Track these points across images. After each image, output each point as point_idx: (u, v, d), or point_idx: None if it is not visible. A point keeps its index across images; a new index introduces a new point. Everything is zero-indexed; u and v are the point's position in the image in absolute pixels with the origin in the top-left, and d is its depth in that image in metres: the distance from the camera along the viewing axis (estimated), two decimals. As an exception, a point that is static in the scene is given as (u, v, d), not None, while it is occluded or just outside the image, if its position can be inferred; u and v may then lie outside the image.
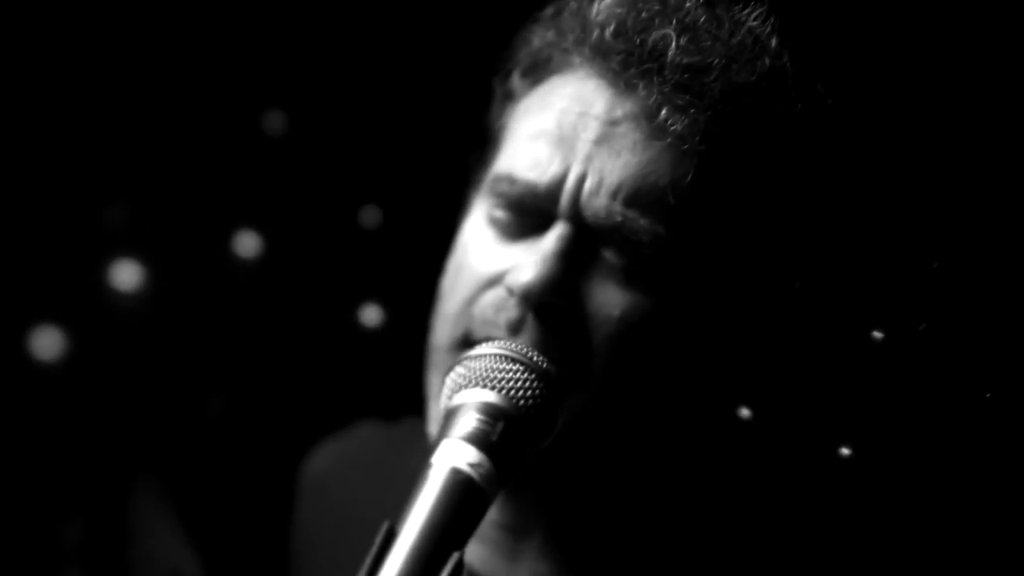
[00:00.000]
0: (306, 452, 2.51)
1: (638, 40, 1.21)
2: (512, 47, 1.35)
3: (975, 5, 1.74)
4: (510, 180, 1.23)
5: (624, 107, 1.20)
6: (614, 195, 1.18)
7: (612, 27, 1.22)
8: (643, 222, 1.17)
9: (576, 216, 1.19)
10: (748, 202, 1.24)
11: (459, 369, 1.13)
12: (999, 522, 1.59)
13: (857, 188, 1.50)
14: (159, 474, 2.47)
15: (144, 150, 2.48)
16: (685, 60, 1.20)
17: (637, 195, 1.18)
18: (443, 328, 1.27)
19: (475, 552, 1.33)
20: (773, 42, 1.24)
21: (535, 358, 1.13)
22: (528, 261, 1.18)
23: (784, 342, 1.34)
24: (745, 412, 1.75)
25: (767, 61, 1.23)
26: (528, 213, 1.23)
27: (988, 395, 2.33)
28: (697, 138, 1.19)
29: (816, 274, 1.35)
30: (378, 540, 0.98)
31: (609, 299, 1.17)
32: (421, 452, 1.45)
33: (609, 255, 1.19)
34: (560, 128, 1.22)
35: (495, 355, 1.11)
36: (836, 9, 1.45)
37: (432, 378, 1.27)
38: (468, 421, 1.06)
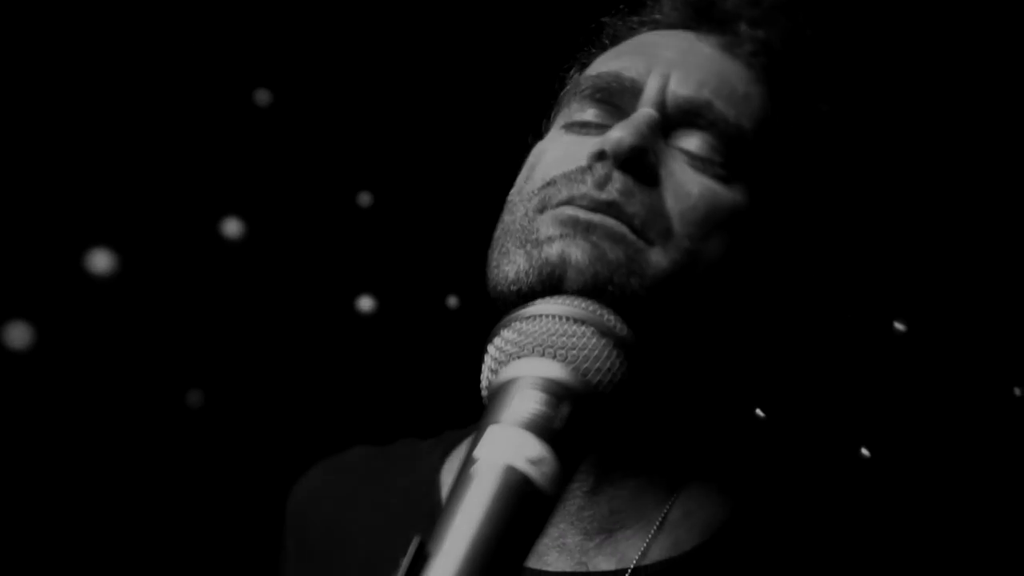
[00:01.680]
0: (294, 448, 2.31)
1: None
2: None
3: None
4: (594, 76, 1.20)
5: (701, 39, 1.22)
6: (701, 85, 1.16)
7: None
8: (731, 111, 1.15)
9: (662, 104, 1.15)
10: (809, 145, 1.22)
11: (507, 334, 0.87)
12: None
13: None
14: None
15: (122, 134, 2.26)
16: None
17: (722, 89, 1.16)
18: (518, 208, 1.15)
19: None
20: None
21: (608, 319, 0.88)
22: (611, 130, 1.12)
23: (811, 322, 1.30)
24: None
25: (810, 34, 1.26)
26: (609, 111, 1.18)
27: (1018, 392, 2.15)
28: (775, 57, 1.20)
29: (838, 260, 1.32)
30: (406, 561, 0.71)
31: (688, 179, 1.12)
32: (416, 466, 1.27)
33: (690, 143, 1.14)
34: (641, 46, 1.22)
35: (556, 316, 0.86)
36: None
37: (508, 253, 1.12)
38: (524, 402, 0.79)
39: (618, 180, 1.08)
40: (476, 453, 0.77)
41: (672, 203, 1.10)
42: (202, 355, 2.34)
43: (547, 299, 0.91)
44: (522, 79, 2.38)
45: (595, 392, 0.83)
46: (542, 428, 0.78)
